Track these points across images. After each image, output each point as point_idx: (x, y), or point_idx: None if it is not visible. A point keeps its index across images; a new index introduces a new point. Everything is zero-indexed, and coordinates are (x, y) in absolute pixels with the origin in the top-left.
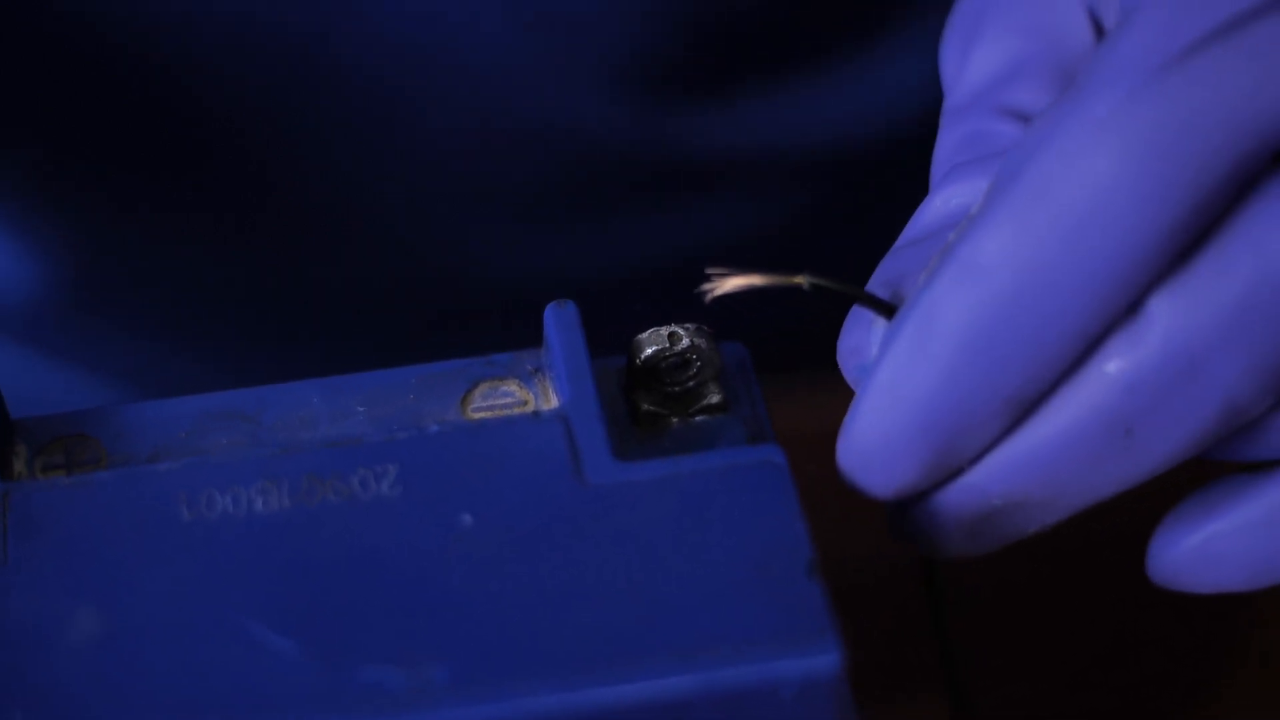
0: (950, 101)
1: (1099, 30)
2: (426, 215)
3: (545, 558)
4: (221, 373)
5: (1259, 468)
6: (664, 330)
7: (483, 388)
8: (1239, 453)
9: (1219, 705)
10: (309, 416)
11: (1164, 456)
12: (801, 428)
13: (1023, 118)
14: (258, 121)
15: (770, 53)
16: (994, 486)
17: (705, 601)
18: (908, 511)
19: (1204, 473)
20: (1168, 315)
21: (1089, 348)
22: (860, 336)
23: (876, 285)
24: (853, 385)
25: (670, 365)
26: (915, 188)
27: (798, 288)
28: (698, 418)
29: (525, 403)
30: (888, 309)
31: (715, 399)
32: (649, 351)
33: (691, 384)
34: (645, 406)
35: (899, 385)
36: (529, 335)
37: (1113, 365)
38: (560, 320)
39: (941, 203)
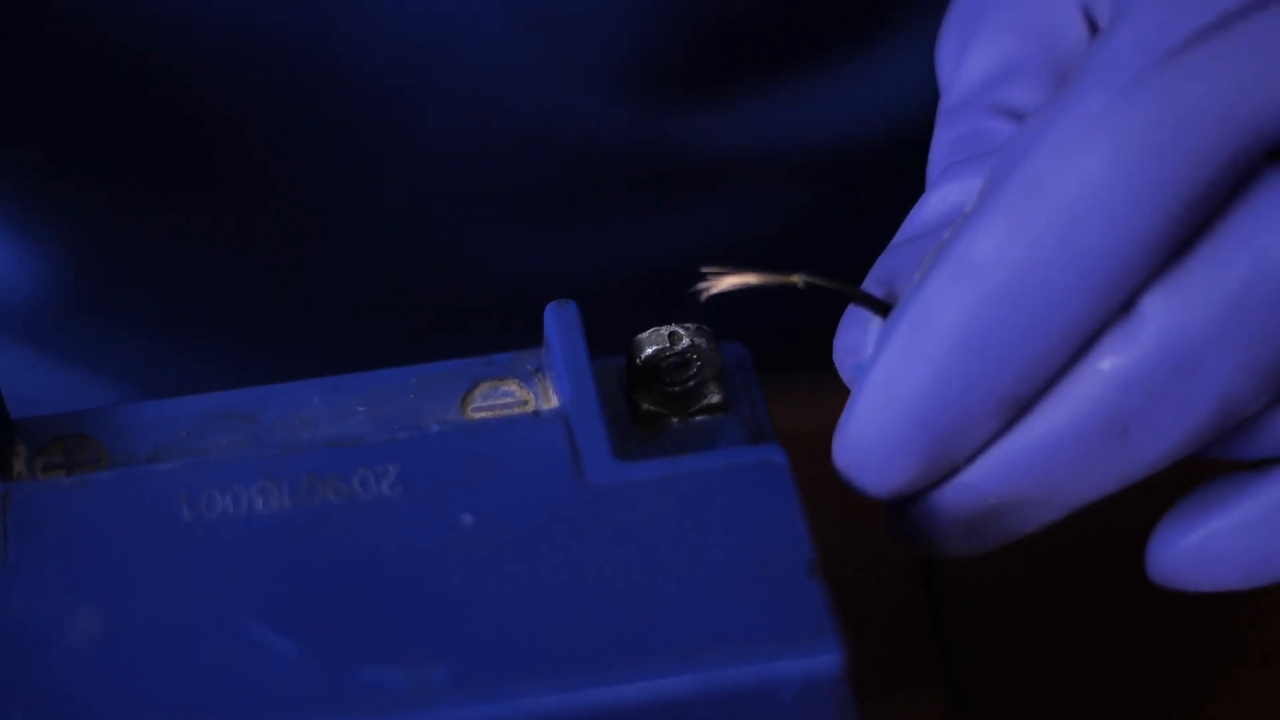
0: (946, 100)
1: (1094, 29)
2: (426, 215)
3: (546, 558)
4: (221, 373)
5: (1257, 466)
6: (664, 330)
7: (483, 387)
8: (1236, 451)
9: (1216, 705)
10: (309, 416)
11: (1160, 454)
12: (801, 428)
13: (1018, 116)
14: (258, 121)
15: (770, 53)
16: (990, 485)
17: (706, 601)
18: (905, 511)
19: (1202, 471)
20: (1163, 312)
21: (1084, 346)
22: (856, 335)
23: (872, 284)
24: (849, 384)
25: (671, 365)
26: (915, 188)
27: (793, 286)
28: (698, 418)
29: (525, 402)
30: (883, 308)
31: (715, 399)
32: (649, 351)
33: (692, 384)
34: (646, 406)
35: (894, 384)
36: (529, 335)
37: (1108, 363)
38: (560, 320)
39: (937, 201)
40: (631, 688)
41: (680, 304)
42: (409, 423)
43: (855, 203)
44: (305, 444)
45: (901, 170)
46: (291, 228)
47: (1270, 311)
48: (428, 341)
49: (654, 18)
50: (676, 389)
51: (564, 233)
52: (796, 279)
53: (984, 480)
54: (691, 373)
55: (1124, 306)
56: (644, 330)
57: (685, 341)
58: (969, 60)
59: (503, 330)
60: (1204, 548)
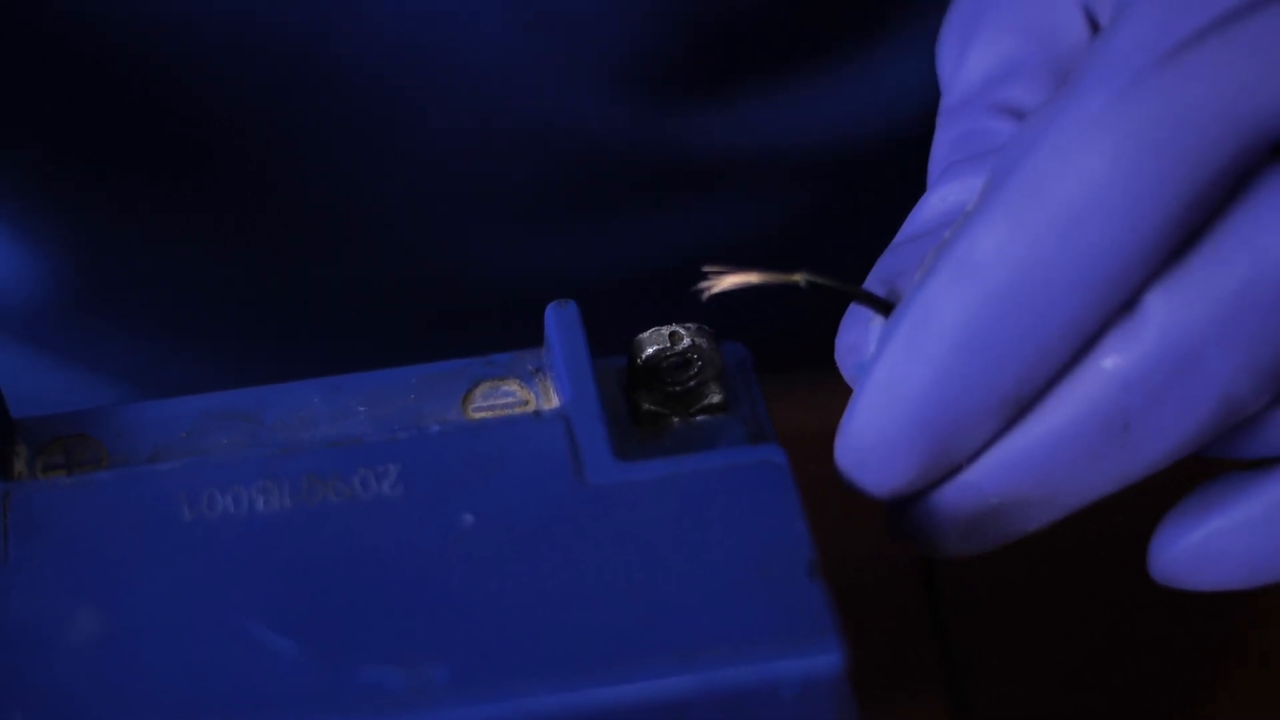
0: (947, 100)
1: (1095, 28)
2: (426, 215)
3: (546, 557)
4: (222, 373)
5: (1258, 465)
6: (665, 330)
7: (483, 387)
8: (1238, 450)
9: (1216, 705)
10: (309, 416)
11: (1161, 453)
12: (802, 428)
13: (1019, 115)
14: (258, 121)
15: (770, 53)
16: (991, 484)
17: (706, 601)
18: (906, 510)
19: (1203, 471)
20: (1164, 311)
21: (1085, 345)
22: (858, 334)
23: (873, 283)
24: (850, 383)
25: (671, 365)
26: (915, 188)
27: (795, 286)
28: (698, 417)
29: (526, 402)
30: (884, 306)
31: (716, 399)
32: (650, 351)
33: (692, 384)
34: (646, 406)
35: (895, 383)
36: (529, 335)
37: (1109, 362)
38: (561, 320)
39: (938, 200)
40: (632, 688)
41: (680, 304)
42: (409, 423)
43: (855, 203)
44: (306, 444)
45: (901, 170)
46: (291, 228)
47: (1271, 311)
48: (428, 341)
49: (654, 18)
50: (677, 389)
51: (564, 233)
52: (798, 278)
53: (985, 480)
54: (692, 372)
55: (1125, 306)
56: (644, 330)
57: (686, 341)
58: (970, 59)
59: (503, 330)
60: (1205, 547)
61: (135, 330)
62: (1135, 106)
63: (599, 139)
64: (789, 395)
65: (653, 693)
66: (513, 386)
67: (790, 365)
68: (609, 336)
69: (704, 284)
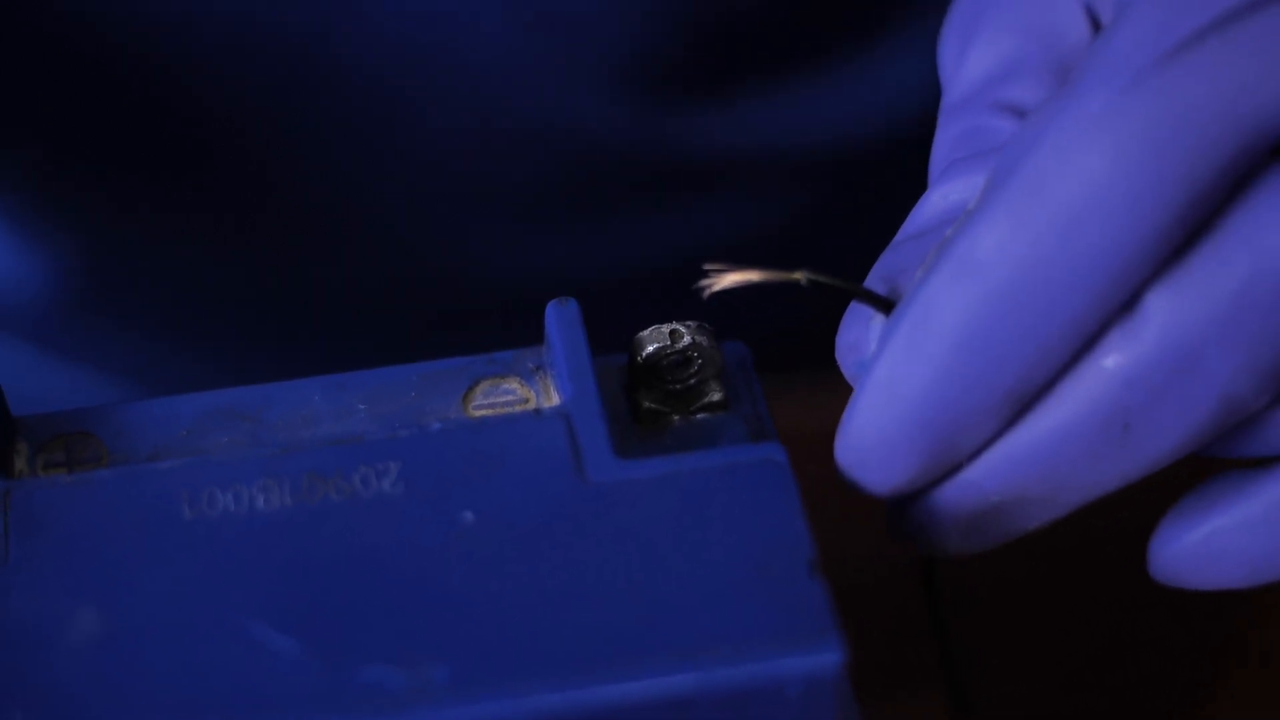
0: (948, 98)
1: (1096, 27)
2: (426, 215)
3: (547, 556)
4: (222, 372)
5: (1258, 464)
6: (665, 328)
7: (484, 385)
8: (1238, 449)
9: (1216, 705)
10: (310, 414)
11: (1162, 452)
12: (802, 427)
13: (1020, 114)
14: (258, 121)
15: (770, 53)
16: (992, 483)
17: (706, 600)
18: (906, 509)
19: (1203, 470)
20: (1164, 310)
21: (1086, 343)
22: (858, 332)
23: (874, 281)
24: (851, 381)
25: (671, 363)
26: (915, 187)
27: (796, 284)
28: (699, 416)
29: (527, 400)
30: (885, 305)
31: (716, 397)
32: (650, 349)
33: (693, 382)
34: (646, 404)
35: (896, 382)
36: (529, 335)
37: (1110, 360)
38: (562, 318)
39: (939, 198)
40: (632, 686)
41: (680, 304)
42: (410, 421)
43: (855, 203)
44: (306, 442)
45: (902, 170)
46: (291, 228)
47: (1271, 311)
48: (428, 341)
49: (654, 18)
50: (677, 387)
51: (564, 233)
52: (799, 276)
53: (986, 478)
54: (692, 371)
55: (1126, 305)
56: (644, 329)
57: (686, 339)
58: (971, 58)
59: (503, 330)
60: (1206, 546)
61: (136, 329)
62: (1136, 106)
63: (599, 139)
64: (789, 394)
65: (653, 691)
66: (513, 384)
67: (791, 364)
68: (609, 336)
69: (705, 282)
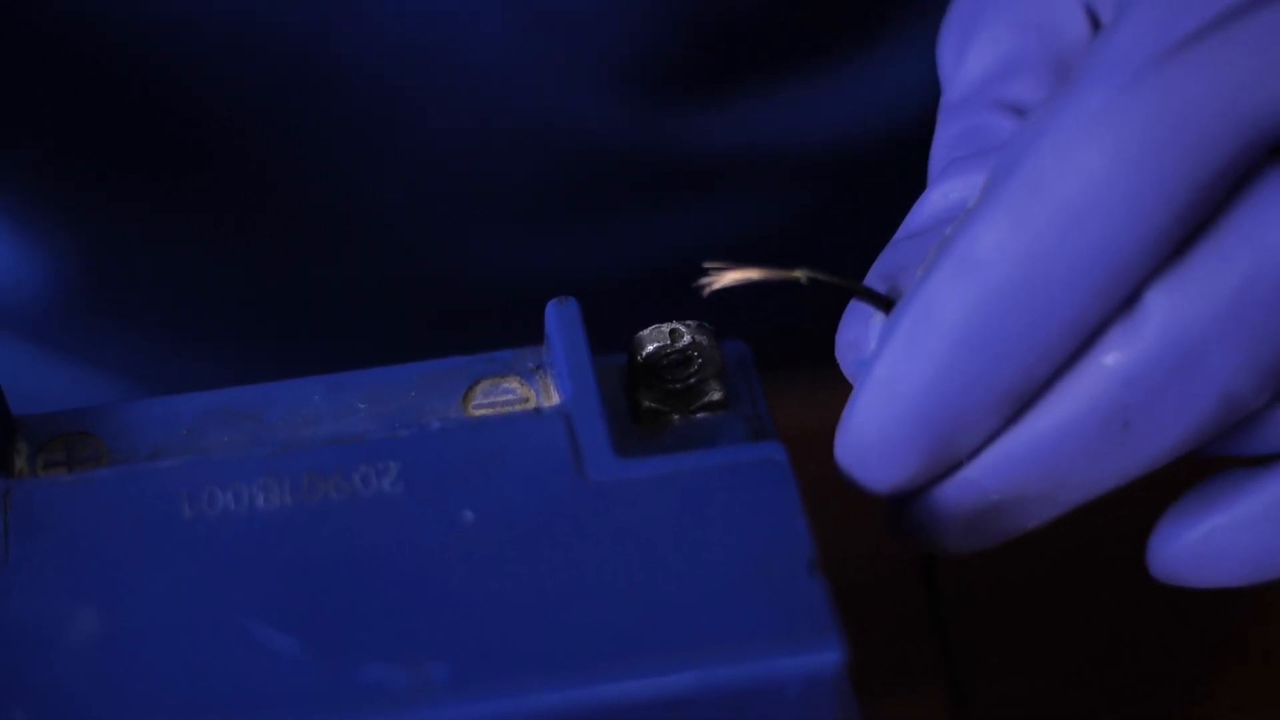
0: (947, 97)
1: (1095, 25)
2: (426, 215)
3: (547, 555)
4: (222, 372)
5: (1258, 462)
6: (665, 327)
7: (484, 385)
8: (1238, 447)
9: (1216, 703)
10: (311, 414)
11: (1162, 450)
12: (802, 426)
13: (1020, 112)
14: (258, 121)
15: (770, 53)
16: (992, 481)
17: (707, 599)
18: (906, 507)
19: (1203, 468)
20: (1165, 308)
21: (1086, 341)
22: (858, 331)
23: (874, 279)
24: (851, 380)
25: (671, 362)
26: (915, 187)
27: (795, 282)
28: (699, 415)
29: (527, 400)
30: (885, 303)
31: (716, 396)
32: (650, 348)
33: (693, 381)
34: (646, 403)
35: (896, 380)
36: (529, 335)
37: (1110, 358)
38: (562, 317)
39: (939, 197)
40: (632, 685)
41: (680, 304)
42: (410, 420)
43: (855, 203)
44: (306, 441)
45: (902, 170)
46: (291, 228)
47: (1271, 309)
48: (428, 341)
49: (654, 18)
50: (677, 386)
51: (564, 233)
52: (799, 274)
53: (985, 476)
54: (692, 370)
55: (1126, 303)
56: (644, 328)
57: (686, 338)
58: (970, 56)
59: (503, 330)
60: (1206, 544)
61: (136, 329)
62: (1136, 104)
63: (599, 139)
64: (789, 393)
65: (653, 690)
66: (513, 384)
67: (791, 363)
68: (609, 336)
69: (704, 280)
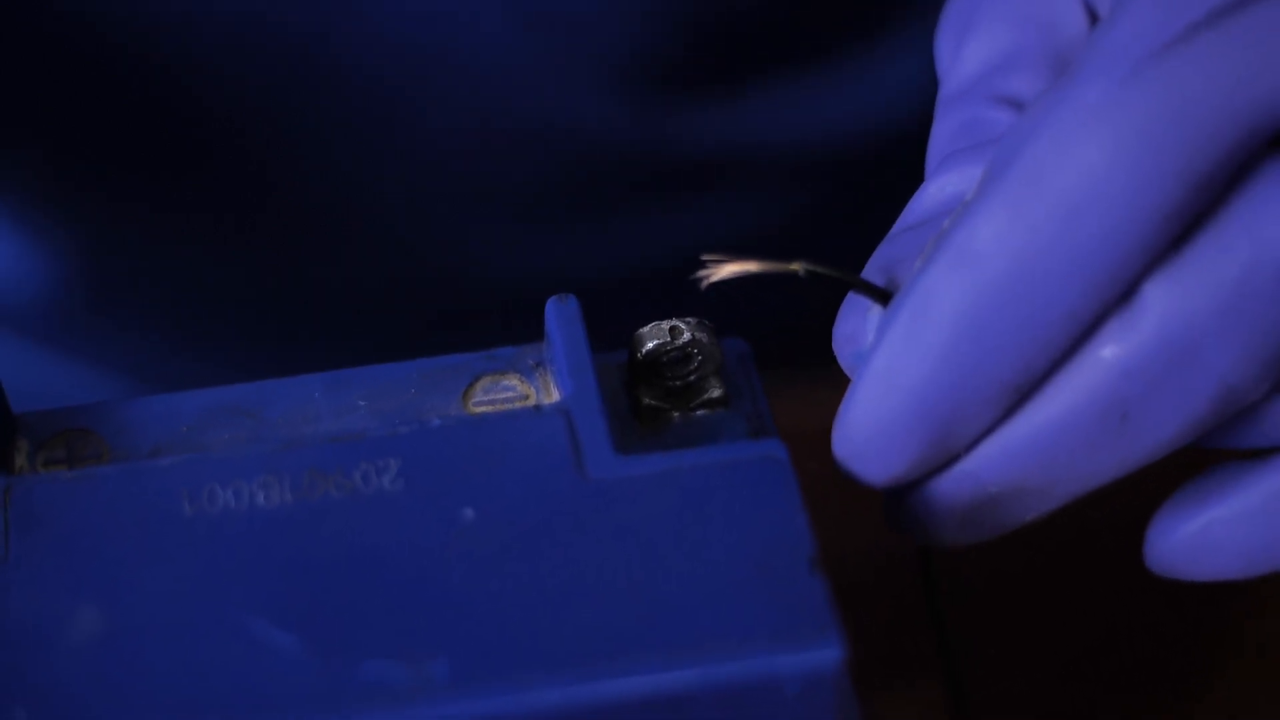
0: (945, 90)
1: (1093, 18)
2: (426, 215)
3: (547, 552)
4: (223, 371)
5: (1256, 455)
6: (665, 324)
7: (484, 382)
8: (1236, 440)
9: (1213, 696)
10: (311, 411)
11: (1160, 442)
12: (802, 424)
13: (1018, 106)
14: (258, 121)
15: (770, 53)
16: (989, 474)
17: (707, 596)
18: (903, 500)
19: (1201, 460)
20: (1163, 301)
21: (1084, 334)
22: (856, 323)
23: (872, 272)
24: (848, 372)
25: (671, 359)
26: (915, 186)
27: (794, 276)
28: (699, 412)
29: (527, 397)
30: (883, 295)
31: (716, 393)
32: (650, 345)
33: (693, 378)
34: (646, 401)
35: (894, 372)
36: (529, 335)
37: (1108, 351)
38: (562, 314)
39: (937, 190)
40: (632, 682)
41: (680, 303)
42: (410, 417)
43: (855, 202)
44: (307, 438)
45: (901, 169)
46: (291, 228)
47: (1270, 301)
48: (428, 341)
49: (654, 18)
50: (677, 383)
51: (564, 233)
52: (797, 266)
53: (983, 468)
54: (692, 367)
55: (1124, 295)
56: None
57: (686, 336)
58: (968, 49)
59: (503, 330)
60: (1203, 537)
61: (136, 328)
62: (1134, 98)
63: (599, 139)
64: (790, 390)
65: (653, 687)
66: (513, 381)
67: (791, 360)
68: (609, 336)
69: (703, 273)
